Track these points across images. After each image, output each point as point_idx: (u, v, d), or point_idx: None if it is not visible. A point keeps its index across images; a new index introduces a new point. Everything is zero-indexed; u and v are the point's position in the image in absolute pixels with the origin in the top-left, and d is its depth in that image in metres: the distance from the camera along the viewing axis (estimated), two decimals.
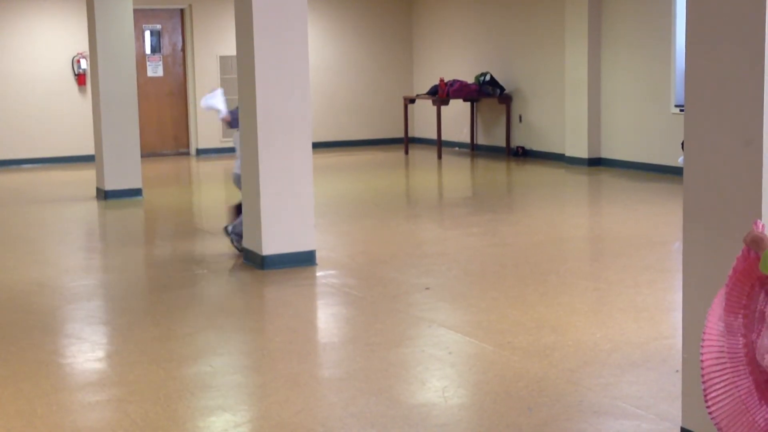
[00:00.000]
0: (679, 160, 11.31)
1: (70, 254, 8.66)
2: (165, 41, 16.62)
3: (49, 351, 5.49)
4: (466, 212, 10.62)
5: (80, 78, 15.92)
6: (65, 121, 15.89)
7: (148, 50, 16.49)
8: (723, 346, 2.73)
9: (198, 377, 4.96)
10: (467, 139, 16.65)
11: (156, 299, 6.85)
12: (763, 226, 2.76)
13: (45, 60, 15.81)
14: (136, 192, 11.57)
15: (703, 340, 2.76)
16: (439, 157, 15.34)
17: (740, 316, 2.75)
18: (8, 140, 15.63)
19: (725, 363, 2.71)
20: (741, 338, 2.73)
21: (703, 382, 2.73)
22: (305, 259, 7.45)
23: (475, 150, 16.46)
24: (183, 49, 16.73)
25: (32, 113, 15.75)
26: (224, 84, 16.67)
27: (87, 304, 6.63)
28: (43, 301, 6.69)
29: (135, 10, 12.42)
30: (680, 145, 11.24)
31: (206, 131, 16.85)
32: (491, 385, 4.72)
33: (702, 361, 2.74)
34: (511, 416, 4.26)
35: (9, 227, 9.94)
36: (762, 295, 2.73)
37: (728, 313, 2.76)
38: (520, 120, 15.52)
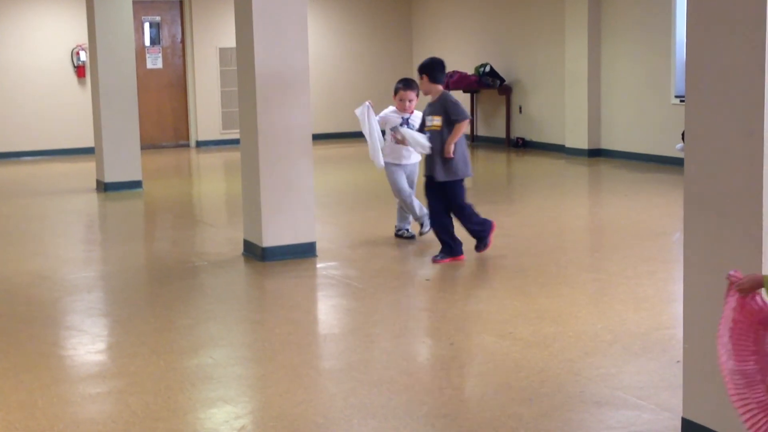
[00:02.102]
0: (677, 147, 11.30)
1: (70, 246, 8.66)
2: (164, 33, 16.60)
3: (50, 343, 5.49)
4: None
5: (80, 70, 15.91)
6: (65, 113, 15.88)
7: (147, 42, 16.47)
8: (749, 400, 2.77)
9: (199, 369, 4.96)
10: (467, 131, 16.63)
11: (156, 291, 6.84)
12: (737, 271, 2.88)
13: (44, 52, 15.80)
14: (136, 184, 11.56)
15: (732, 401, 2.81)
16: None
17: (751, 362, 2.79)
18: (8, 133, 15.62)
19: (759, 415, 2.75)
20: (760, 385, 2.77)
21: None
22: (306, 251, 7.44)
23: (475, 141, 16.45)
24: (182, 41, 16.71)
25: (32, 105, 15.74)
26: (224, 76, 16.66)
27: (87, 296, 6.63)
28: (43, 293, 6.69)
29: (134, 2, 12.41)
30: (681, 136, 11.24)
31: (206, 123, 16.84)
32: (492, 375, 4.72)
33: (744, 421, 2.80)
34: (513, 407, 4.26)
35: (9, 219, 9.94)
36: None
37: (739, 362, 2.79)
38: (520, 111, 15.50)
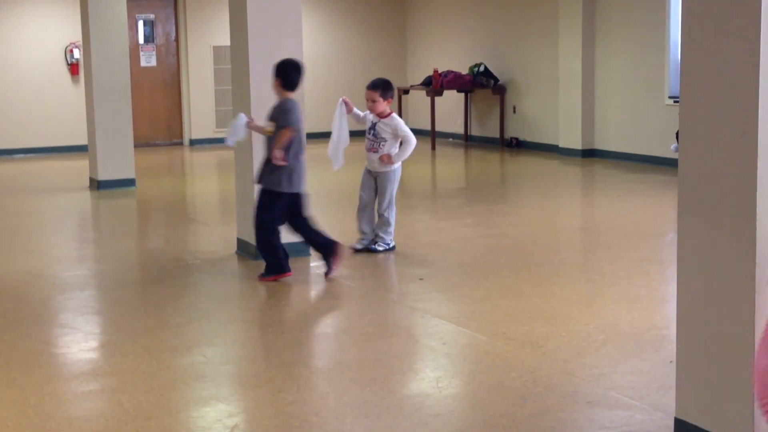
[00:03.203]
0: (672, 148, 11.31)
1: (63, 244, 8.64)
2: (158, 31, 16.57)
3: (42, 341, 5.47)
4: (459, 203, 10.62)
5: (73, 67, 15.87)
6: (58, 110, 15.85)
7: (141, 40, 16.44)
8: None
9: (191, 367, 4.95)
10: (461, 130, 16.64)
11: (149, 289, 6.83)
12: None
13: (38, 49, 15.76)
14: (129, 182, 11.55)
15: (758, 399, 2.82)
16: (433, 148, 15.32)
17: None
18: (0, 130, 15.58)
19: None
20: None
21: None
22: (299, 250, 7.43)
23: (468, 141, 16.45)
24: (176, 39, 16.68)
25: (25, 103, 15.70)
26: (218, 74, 16.65)
27: (80, 294, 6.62)
28: (35, 291, 6.68)
29: (128, 0, 12.37)
30: (675, 136, 11.26)
31: (199, 121, 16.82)
32: (485, 375, 4.72)
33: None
34: (505, 406, 4.26)
35: (1, 217, 9.91)
36: None
37: None
38: (514, 111, 15.51)
